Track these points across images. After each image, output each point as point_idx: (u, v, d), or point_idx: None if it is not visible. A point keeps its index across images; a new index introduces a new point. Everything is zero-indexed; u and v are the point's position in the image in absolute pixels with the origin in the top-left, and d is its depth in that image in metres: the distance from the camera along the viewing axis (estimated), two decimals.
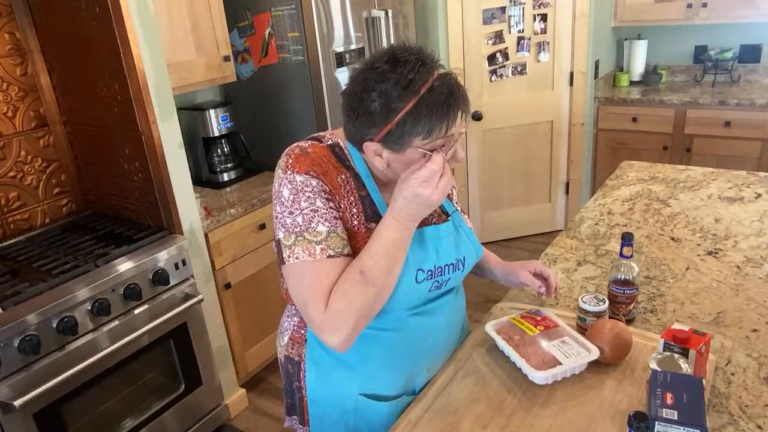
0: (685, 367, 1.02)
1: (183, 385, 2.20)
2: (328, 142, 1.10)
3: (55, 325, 1.73)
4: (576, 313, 1.29)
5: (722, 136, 3.35)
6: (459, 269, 1.15)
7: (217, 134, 2.67)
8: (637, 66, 3.94)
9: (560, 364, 1.13)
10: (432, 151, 0.97)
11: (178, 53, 2.32)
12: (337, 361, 1.14)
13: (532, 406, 1.10)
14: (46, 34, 2.16)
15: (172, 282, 2.08)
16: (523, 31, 3.44)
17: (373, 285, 0.97)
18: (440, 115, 0.94)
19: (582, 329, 1.26)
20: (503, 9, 3.36)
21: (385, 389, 1.15)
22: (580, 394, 1.12)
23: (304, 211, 1.01)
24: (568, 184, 3.84)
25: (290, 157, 1.05)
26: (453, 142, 1.00)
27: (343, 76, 2.66)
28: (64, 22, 2.05)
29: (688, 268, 1.58)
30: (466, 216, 1.27)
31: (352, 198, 1.06)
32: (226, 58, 2.53)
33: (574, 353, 1.15)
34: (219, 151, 2.74)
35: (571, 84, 3.58)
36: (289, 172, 1.03)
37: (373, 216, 1.07)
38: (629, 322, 1.34)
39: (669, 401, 0.92)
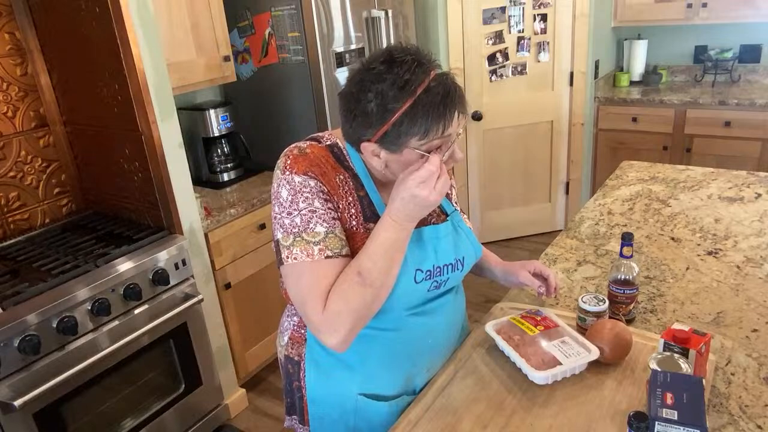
0: (685, 367, 1.02)
1: (183, 385, 2.20)
2: (327, 143, 1.10)
3: (55, 325, 1.73)
4: (576, 313, 1.29)
5: (722, 136, 3.35)
6: (458, 269, 1.15)
7: (217, 134, 2.67)
8: (637, 66, 3.94)
9: (560, 364, 1.13)
10: (429, 152, 0.97)
11: (178, 53, 2.32)
12: (337, 361, 1.14)
13: (532, 406, 1.10)
14: (46, 34, 2.16)
15: (172, 282, 2.08)
16: (523, 31, 3.44)
17: (371, 286, 0.98)
18: (436, 116, 0.94)
19: (582, 329, 1.26)
20: (503, 9, 3.36)
21: (384, 389, 1.15)
22: (580, 394, 1.12)
23: (302, 212, 1.01)
24: (568, 184, 3.84)
25: (288, 157, 1.05)
26: (451, 142, 1.00)
27: (343, 76, 2.66)
28: (64, 22, 2.05)
29: (688, 268, 1.58)
30: (465, 216, 1.27)
31: (350, 198, 1.06)
32: (226, 58, 2.53)
33: (574, 353, 1.15)
34: (219, 151, 2.74)
35: (571, 84, 3.58)
36: (287, 173, 1.03)
37: (372, 216, 1.07)
38: (629, 322, 1.34)
39: (669, 401, 0.92)
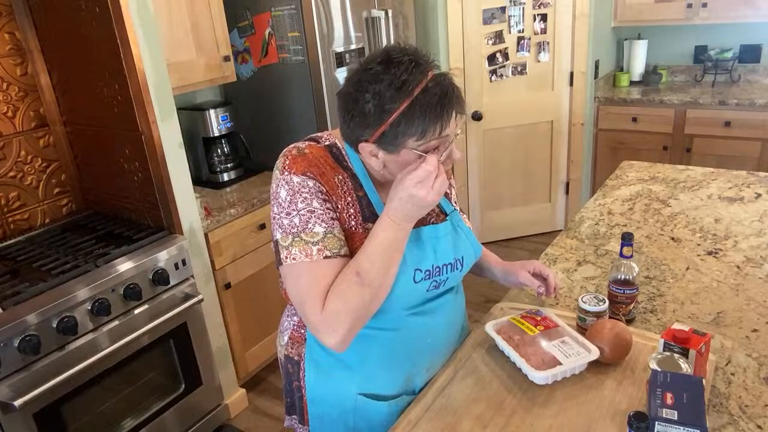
0: (685, 367, 1.02)
1: (183, 385, 2.20)
2: (326, 143, 1.10)
3: (55, 325, 1.73)
4: (576, 313, 1.29)
5: (722, 136, 3.35)
6: (457, 269, 1.15)
7: (217, 134, 2.67)
8: (637, 66, 3.94)
9: (560, 364, 1.13)
10: (427, 152, 0.97)
11: (178, 53, 2.32)
12: (337, 361, 1.14)
13: (532, 406, 1.10)
14: (46, 34, 2.16)
15: (172, 282, 2.08)
16: (523, 31, 3.44)
17: (369, 286, 0.98)
18: (434, 116, 0.94)
19: (582, 329, 1.26)
20: (503, 9, 3.36)
21: (384, 389, 1.15)
22: (580, 394, 1.12)
23: (301, 212, 1.02)
24: (568, 184, 3.84)
25: (287, 158, 1.05)
26: (448, 142, 1.00)
27: (343, 76, 2.65)
28: (64, 22, 2.05)
29: (688, 268, 1.58)
30: (465, 215, 1.27)
31: (349, 198, 1.06)
32: (226, 58, 2.53)
33: (574, 353, 1.15)
34: (219, 151, 2.74)
35: (571, 84, 3.58)
36: (286, 173, 1.03)
37: (371, 216, 1.07)
38: (629, 322, 1.34)
39: (669, 401, 0.92)
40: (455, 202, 1.27)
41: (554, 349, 1.17)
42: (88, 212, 2.39)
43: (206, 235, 2.28)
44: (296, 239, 1.01)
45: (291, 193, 1.02)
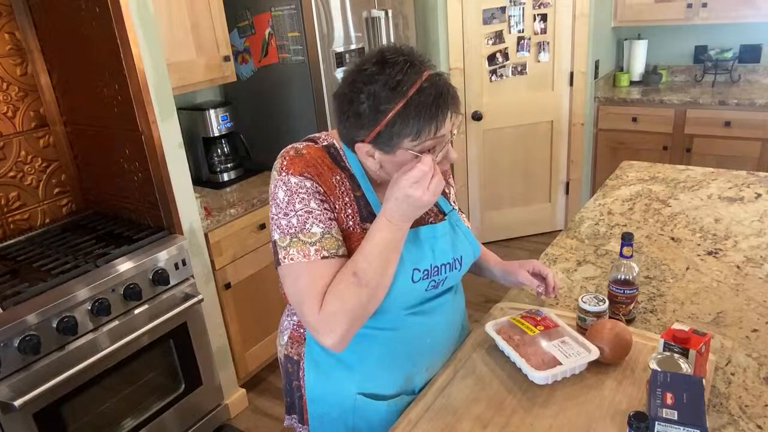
0: (685, 367, 1.02)
1: (183, 385, 2.20)
2: (324, 143, 1.10)
3: (55, 325, 1.73)
4: (576, 313, 1.29)
5: (722, 136, 3.35)
6: (456, 268, 1.15)
7: (217, 134, 2.67)
8: (637, 66, 3.94)
9: (560, 364, 1.13)
10: (423, 153, 0.97)
11: (178, 53, 2.32)
12: (336, 361, 1.14)
13: (532, 406, 1.10)
14: (46, 34, 2.16)
15: (172, 282, 2.08)
16: (523, 31, 3.44)
17: (366, 286, 0.98)
18: (428, 117, 0.94)
19: (582, 329, 1.26)
20: (503, 9, 3.36)
21: (383, 388, 1.15)
22: (580, 394, 1.12)
23: (298, 213, 1.02)
24: (568, 184, 3.84)
25: (285, 158, 1.06)
26: (444, 143, 1.00)
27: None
28: (64, 22, 2.05)
29: (688, 268, 1.58)
30: (463, 215, 1.27)
31: (347, 199, 1.07)
32: (226, 58, 2.53)
33: (574, 353, 1.15)
34: (219, 151, 2.74)
35: (571, 84, 3.58)
36: (283, 174, 1.04)
37: (369, 216, 1.07)
38: (629, 322, 1.34)
39: (669, 401, 0.92)
40: (454, 202, 1.27)
41: (554, 349, 1.17)
42: (88, 212, 2.39)
43: (206, 235, 2.28)
44: (294, 240, 1.01)
45: (289, 193, 1.02)
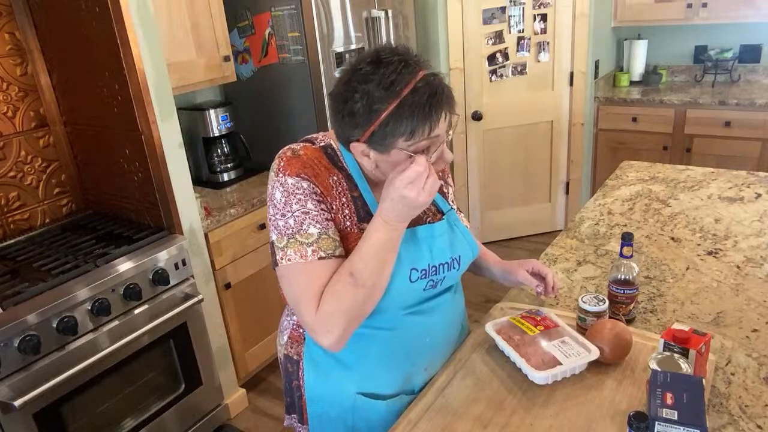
0: (685, 367, 1.02)
1: (183, 385, 2.20)
2: (321, 144, 1.10)
3: (55, 325, 1.73)
4: (576, 313, 1.29)
5: (722, 136, 3.35)
6: (454, 268, 1.15)
7: (217, 134, 2.67)
8: (637, 66, 3.94)
9: (560, 364, 1.13)
10: (417, 153, 0.97)
11: (178, 53, 2.32)
12: (335, 360, 1.14)
13: (532, 406, 1.10)
14: (46, 34, 2.16)
15: (172, 282, 2.08)
16: (523, 31, 3.44)
17: (363, 286, 0.98)
18: (422, 117, 0.94)
19: (582, 329, 1.26)
20: (503, 9, 3.36)
21: (382, 388, 1.16)
22: (580, 394, 1.12)
23: (295, 214, 1.02)
24: (568, 184, 3.84)
25: (282, 159, 1.06)
26: (439, 143, 1.00)
27: None
28: (64, 22, 2.05)
29: (688, 268, 1.58)
30: (462, 214, 1.27)
31: (344, 199, 1.07)
32: (226, 58, 2.53)
33: (574, 353, 1.15)
34: (219, 151, 2.74)
35: (571, 84, 3.58)
36: (281, 175, 1.04)
37: (366, 216, 1.08)
38: (629, 322, 1.34)
39: (669, 401, 0.92)
40: (452, 201, 1.27)
41: (554, 349, 1.17)
42: (88, 212, 2.39)
43: (206, 235, 2.28)
44: (291, 240, 1.02)
45: (286, 194, 1.03)
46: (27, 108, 2.20)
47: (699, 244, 1.70)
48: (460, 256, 1.16)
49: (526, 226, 3.92)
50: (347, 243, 1.06)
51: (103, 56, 1.99)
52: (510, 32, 3.43)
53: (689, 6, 3.44)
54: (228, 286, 2.41)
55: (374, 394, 1.15)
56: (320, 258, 1.01)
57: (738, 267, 1.56)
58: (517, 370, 1.18)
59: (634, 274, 1.32)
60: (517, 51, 3.47)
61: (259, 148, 2.82)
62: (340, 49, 2.63)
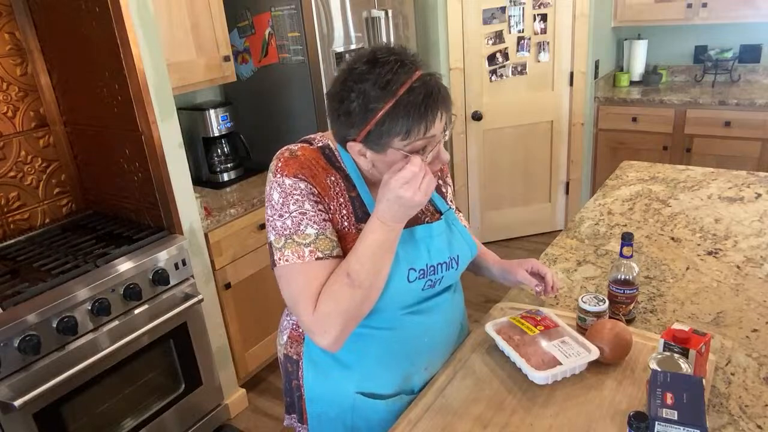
0: (685, 367, 1.02)
1: (183, 385, 2.20)
2: (318, 144, 1.11)
3: (55, 325, 1.73)
4: (576, 313, 1.29)
5: (722, 136, 3.35)
6: (453, 267, 1.15)
7: (217, 134, 2.67)
8: (637, 66, 3.94)
9: (560, 364, 1.13)
10: (414, 153, 0.97)
11: (178, 53, 2.32)
12: (334, 360, 1.14)
13: (532, 406, 1.10)
14: (46, 34, 2.16)
15: (172, 282, 2.08)
16: (523, 31, 3.44)
17: (359, 287, 0.98)
18: (417, 116, 0.94)
19: (582, 329, 1.26)
20: (503, 9, 3.36)
21: (381, 388, 1.16)
22: (580, 394, 1.12)
23: (292, 214, 1.02)
24: (568, 184, 3.84)
25: (280, 160, 1.06)
26: (435, 143, 1.00)
27: None
28: (64, 22, 2.05)
29: (688, 268, 1.58)
30: (461, 214, 1.27)
31: (341, 199, 1.07)
32: (226, 58, 2.53)
33: (574, 353, 1.15)
34: (219, 151, 2.74)
35: (571, 84, 3.58)
36: (278, 176, 1.04)
37: (363, 217, 1.08)
38: (629, 322, 1.34)
39: (669, 401, 0.92)
40: (451, 201, 1.27)
41: (554, 349, 1.17)
42: (88, 212, 2.39)
43: (206, 235, 2.28)
44: (289, 241, 1.02)
45: (283, 195, 1.03)
46: (27, 108, 2.20)
47: (699, 244, 1.70)
48: (458, 256, 1.16)
49: (526, 226, 3.92)
50: (345, 243, 1.06)
51: (103, 56, 1.99)
52: (510, 32, 3.43)
53: (689, 6, 3.44)
54: (228, 286, 2.41)
55: (374, 393, 1.15)
56: (317, 258, 1.01)
57: (738, 267, 1.56)
58: (517, 370, 1.18)
59: (634, 274, 1.32)
60: (517, 51, 3.47)
61: (259, 148, 2.82)
62: (340, 49, 2.63)
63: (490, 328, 1.27)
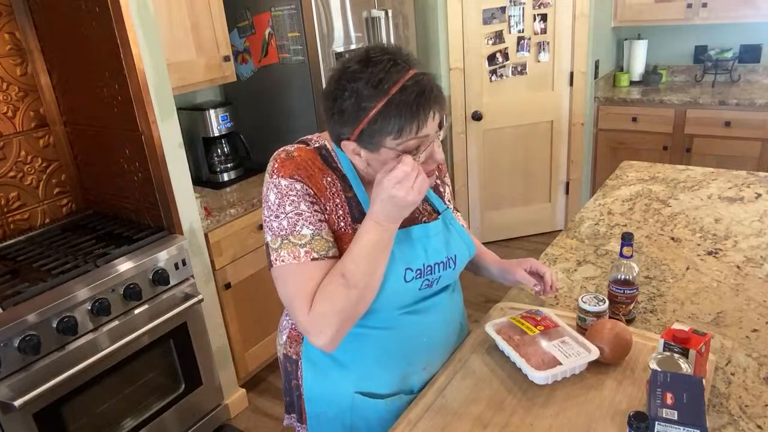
0: (685, 367, 1.02)
1: (183, 385, 2.20)
2: (315, 145, 1.11)
3: (55, 325, 1.73)
4: (576, 313, 1.29)
5: (722, 136, 3.35)
6: (450, 267, 1.15)
7: (217, 134, 2.67)
8: (637, 66, 3.94)
9: (560, 364, 1.13)
10: (407, 152, 0.97)
11: (178, 53, 2.32)
12: (333, 360, 1.14)
13: (532, 406, 1.10)
14: (46, 34, 2.16)
15: (172, 282, 2.08)
16: (523, 31, 3.44)
17: (354, 287, 0.98)
18: (409, 115, 0.94)
19: (582, 329, 1.26)
20: (503, 9, 3.36)
21: (380, 387, 1.16)
22: (580, 394, 1.12)
23: (288, 215, 1.03)
24: (568, 184, 3.84)
25: (276, 161, 1.07)
26: (429, 142, 1.00)
27: None
28: (64, 22, 2.05)
29: (688, 268, 1.58)
30: (458, 214, 1.27)
31: (338, 200, 1.07)
32: (226, 58, 2.53)
33: (574, 353, 1.15)
34: (219, 151, 2.74)
35: (571, 84, 3.58)
36: (274, 177, 1.05)
37: (360, 217, 1.08)
38: (629, 322, 1.34)
39: (669, 401, 0.92)
40: (449, 201, 1.27)
41: (554, 349, 1.17)
42: (88, 212, 2.39)
43: (206, 235, 2.28)
44: (285, 242, 1.02)
45: (279, 196, 1.03)
46: (27, 108, 2.20)
47: (699, 244, 1.70)
48: (455, 256, 1.16)
49: (526, 226, 3.92)
50: (342, 243, 1.06)
51: (103, 56, 1.99)
52: (510, 32, 3.43)
53: (689, 6, 3.44)
54: (228, 286, 2.41)
55: (372, 393, 1.15)
56: (313, 259, 1.02)
57: (738, 267, 1.56)
58: (517, 370, 1.18)
59: (634, 274, 1.32)
60: (517, 51, 3.47)
61: (259, 148, 2.82)
62: (340, 49, 2.63)
63: (490, 328, 1.26)
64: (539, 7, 3.40)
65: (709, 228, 1.80)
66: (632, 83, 3.95)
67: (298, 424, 1.27)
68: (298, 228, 1.02)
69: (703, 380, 1.01)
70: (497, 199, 3.81)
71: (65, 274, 1.83)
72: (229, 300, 2.43)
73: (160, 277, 2.02)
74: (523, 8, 3.38)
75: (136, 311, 1.97)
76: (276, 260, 1.03)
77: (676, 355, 1.05)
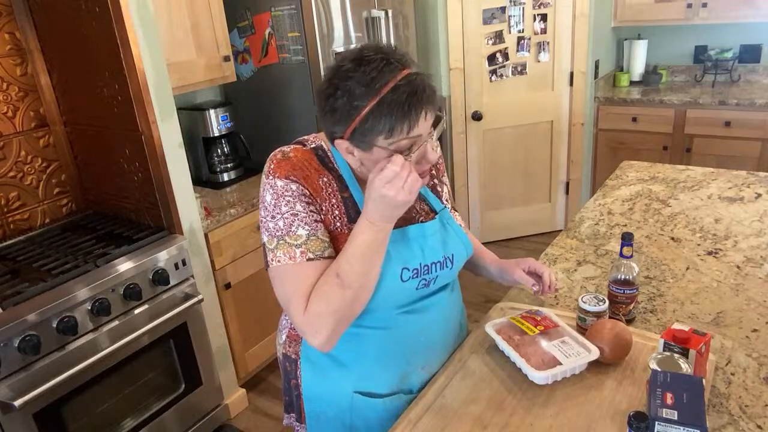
0: (685, 367, 1.02)
1: (183, 385, 2.20)
2: (312, 145, 1.11)
3: (55, 325, 1.73)
4: (576, 313, 1.29)
5: (722, 136, 3.35)
6: (447, 267, 1.15)
7: (217, 134, 2.67)
8: (637, 66, 3.94)
9: (560, 364, 1.13)
10: (399, 152, 0.97)
11: (178, 53, 2.32)
12: (331, 359, 1.15)
13: (532, 406, 1.10)
14: (46, 34, 2.16)
15: (172, 282, 2.08)
16: (523, 31, 3.44)
17: (349, 287, 0.98)
18: (401, 115, 0.94)
19: (582, 329, 1.26)
20: (503, 9, 3.36)
21: (379, 387, 1.16)
22: (580, 394, 1.12)
23: (284, 216, 1.03)
24: (568, 184, 3.84)
25: (272, 162, 1.07)
26: (421, 142, 1.00)
27: None
28: (64, 22, 2.05)
29: (688, 268, 1.58)
30: (457, 213, 1.27)
31: (334, 200, 1.07)
32: (226, 58, 2.53)
33: (574, 353, 1.15)
34: (219, 151, 2.74)
35: (571, 84, 3.58)
36: (270, 177, 1.05)
37: (356, 217, 1.08)
38: (629, 322, 1.34)
39: (669, 401, 0.92)
40: (447, 200, 1.27)
41: (554, 349, 1.17)
42: (88, 212, 2.39)
43: (206, 235, 2.28)
44: (281, 242, 1.03)
45: (275, 196, 1.04)
46: (27, 108, 2.20)
47: (699, 244, 1.70)
48: (453, 255, 1.16)
49: (526, 226, 3.92)
50: (338, 244, 1.06)
51: (103, 56, 1.99)
52: (510, 32, 3.43)
53: (689, 6, 3.44)
54: (228, 286, 2.41)
55: (371, 393, 1.15)
56: (309, 259, 1.02)
57: (738, 267, 1.56)
58: (517, 370, 1.18)
59: (634, 274, 1.32)
60: (517, 51, 3.47)
61: (259, 148, 2.82)
62: (340, 49, 2.63)
63: (490, 328, 1.26)
64: (539, 7, 3.40)
65: (709, 228, 1.80)
66: (632, 83, 3.96)
67: (298, 423, 1.27)
68: (293, 228, 1.03)
69: (703, 380, 1.01)
70: (497, 199, 3.81)
71: (65, 274, 1.83)
72: (229, 300, 2.43)
73: (160, 277, 2.02)
74: (523, 8, 3.38)
75: (136, 311, 1.97)
76: (272, 260, 1.04)
77: (676, 355, 1.05)
